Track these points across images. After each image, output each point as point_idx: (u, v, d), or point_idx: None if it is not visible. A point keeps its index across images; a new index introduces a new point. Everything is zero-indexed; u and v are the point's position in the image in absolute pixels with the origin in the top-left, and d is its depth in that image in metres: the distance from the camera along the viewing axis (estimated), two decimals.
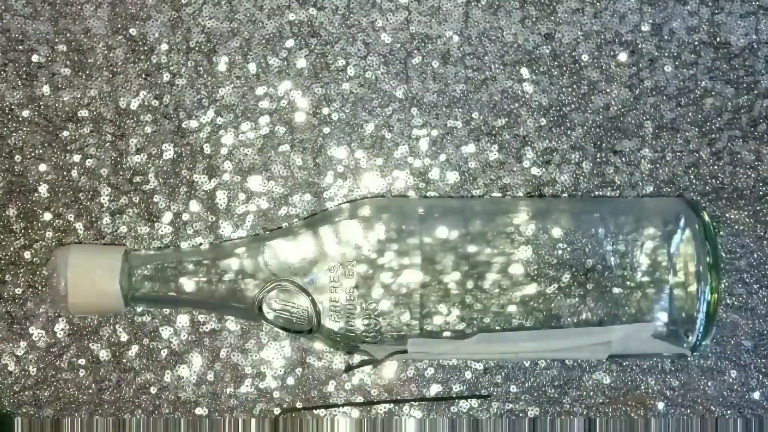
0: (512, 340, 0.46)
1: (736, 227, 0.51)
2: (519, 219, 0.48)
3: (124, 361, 0.50)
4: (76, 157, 0.51)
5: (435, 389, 0.50)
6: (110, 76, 0.51)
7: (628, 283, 0.47)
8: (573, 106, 0.51)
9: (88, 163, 0.51)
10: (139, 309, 0.50)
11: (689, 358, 0.51)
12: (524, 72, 0.51)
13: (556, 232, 0.48)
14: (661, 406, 0.51)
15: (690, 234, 0.48)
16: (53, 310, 0.50)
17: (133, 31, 0.51)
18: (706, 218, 0.48)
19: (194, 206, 0.51)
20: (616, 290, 0.47)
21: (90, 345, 0.50)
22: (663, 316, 0.47)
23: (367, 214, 0.48)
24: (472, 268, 0.47)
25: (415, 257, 0.47)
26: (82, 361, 0.50)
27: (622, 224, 0.48)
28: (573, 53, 0.51)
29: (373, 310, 0.46)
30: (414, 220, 0.48)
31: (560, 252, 0.48)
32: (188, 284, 0.47)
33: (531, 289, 0.47)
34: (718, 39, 0.51)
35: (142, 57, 0.51)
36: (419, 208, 0.49)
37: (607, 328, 0.47)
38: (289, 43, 0.51)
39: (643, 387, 0.51)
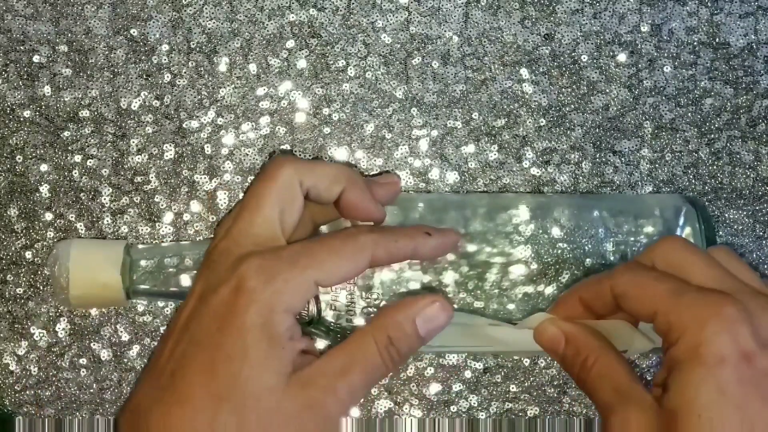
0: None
1: (735, 227, 0.51)
2: (519, 217, 0.48)
3: (125, 360, 0.50)
4: (77, 157, 0.51)
5: (435, 388, 0.51)
6: (111, 76, 0.51)
7: None
8: (572, 106, 0.51)
9: (89, 163, 0.51)
10: (140, 309, 0.50)
11: None
12: (524, 72, 0.51)
13: (556, 229, 0.48)
14: None
15: (690, 231, 0.48)
16: (55, 303, 0.50)
17: (134, 31, 0.51)
18: (706, 215, 0.48)
19: (195, 206, 0.51)
20: None
21: (91, 344, 0.50)
22: None
23: None
24: (472, 267, 0.47)
25: None
26: (83, 361, 0.50)
27: (621, 221, 0.48)
28: (572, 54, 0.51)
29: (374, 306, 0.46)
30: (414, 217, 0.48)
31: (560, 249, 0.48)
32: (189, 278, 0.47)
33: (530, 287, 0.48)
34: (717, 39, 0.52)
35: (143, 57, 0.51)
36: (419, 205, 0.49)
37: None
38: (290, 43, 0.51)
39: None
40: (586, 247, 0.48)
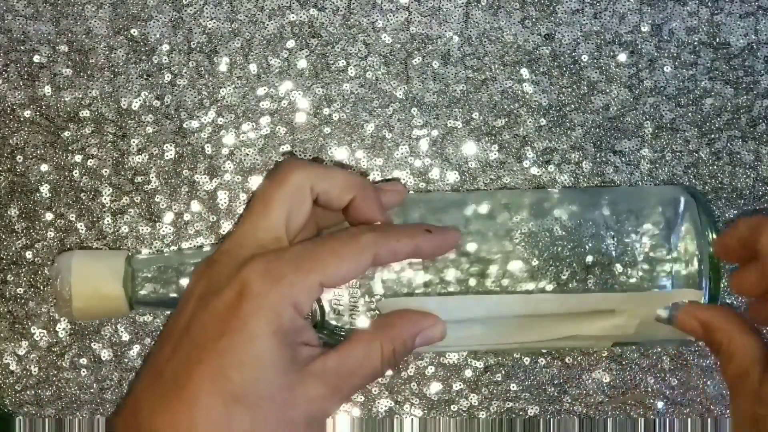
0: (506, 303, 0.47)
1: None
2: (519, 213, 0.48)
3: (126, 360, 0.50)
4: (78, 158, 0.51)
5: (435, 387, 0.51)
6: (112, 76, 0.51)
7: (629, 271, 0.48)
8: (573, 106, 0.51)
9: (90, 163, 0.51)
10: (141, 311, 0.50)
11: (689, 355, 0.51)
12: (524, 72, 0.51)
13: (557, 222, 0.48)
14: (660, 405, 0.51)
15: (690, 221, 0.48)
16: (58, 315, 0.50)
17: (134, 31, 0.51)
18: (705, 205, 0.48)
19: (195, 206, 0.51)
20: (617, 279, 0.48)
21: (91, 345, 0.50)
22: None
23: None
24: (472, 264, 0.47)
25: None
26: (83, 361, 0.50)
27: (621, 212, 0.48)
28: (573, 54, 0.51)
29: (377, 306, 0.46)
30: (414, 216, 0.48)
31: (561, 243, 0.48)
32: None
33: (531, 284, 0.48)
34: (717, 39, 0.52)
35: (144, 57, 0.51)
36: (420, 205, 0.49)
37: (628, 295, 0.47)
38: (290, 43, 0.51)
39: (642, 386, 0.51)
40: (586, 242, 0.48)
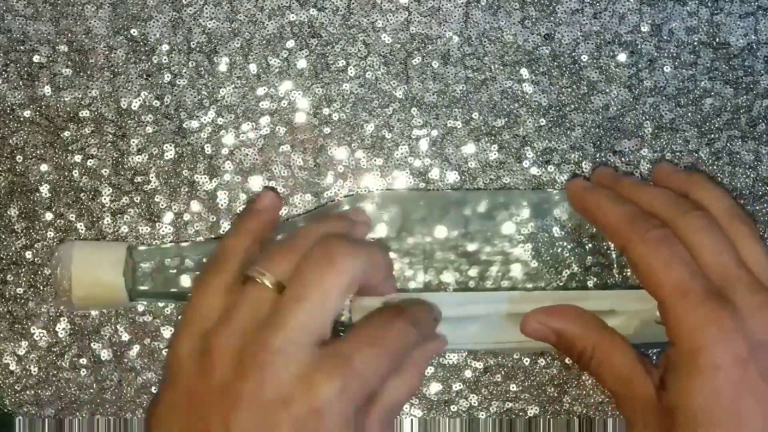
0: (504, 299, 0.47)
1: None
2: (520, 215, 0.48)
3: (126, 360, 0.50)
4: (78, 157, 0.51)
5: (435, 388, 0.51)
6: (111, 76, 0.51)
7: (629, 272, 0.48)
8: (573, 106, 0.51)
9: (90, 163, 0.51)
10: (140, 309, 0.50)
11: None
12: (524, 72, 0.51)
13: (557, 223, 0.48)
14: None
15: None
16: (57, 306, 0.50)
17: (134, 31, 0.51)
18: None
19: (195, 206, 0.51)
20: (616, 280, 0.48)
21: (91, 345, 0.50)
22: None
23: (368, 207, 0.48)
24: (472, 265, 0.47)
25: (416, 254, 0.47)
26: (83, 361, 0.50)
27: None
28: (573, 54, 0.51)
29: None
30: (416, 216, 0.48)
31: (561, 243, 0.48)
32: (190, 279, 0.47)
33: (531, 285, 0.48)
34: (717, 39, 0.52)
35: (143, 57, 0.51)
36: (420, 202, 0.49)
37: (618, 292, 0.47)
38: (290, 43, 0.51)
39: None
40: (586, 242, 0.48)
